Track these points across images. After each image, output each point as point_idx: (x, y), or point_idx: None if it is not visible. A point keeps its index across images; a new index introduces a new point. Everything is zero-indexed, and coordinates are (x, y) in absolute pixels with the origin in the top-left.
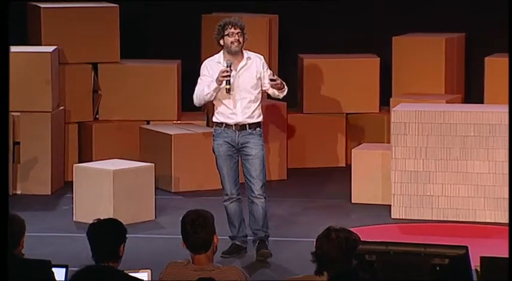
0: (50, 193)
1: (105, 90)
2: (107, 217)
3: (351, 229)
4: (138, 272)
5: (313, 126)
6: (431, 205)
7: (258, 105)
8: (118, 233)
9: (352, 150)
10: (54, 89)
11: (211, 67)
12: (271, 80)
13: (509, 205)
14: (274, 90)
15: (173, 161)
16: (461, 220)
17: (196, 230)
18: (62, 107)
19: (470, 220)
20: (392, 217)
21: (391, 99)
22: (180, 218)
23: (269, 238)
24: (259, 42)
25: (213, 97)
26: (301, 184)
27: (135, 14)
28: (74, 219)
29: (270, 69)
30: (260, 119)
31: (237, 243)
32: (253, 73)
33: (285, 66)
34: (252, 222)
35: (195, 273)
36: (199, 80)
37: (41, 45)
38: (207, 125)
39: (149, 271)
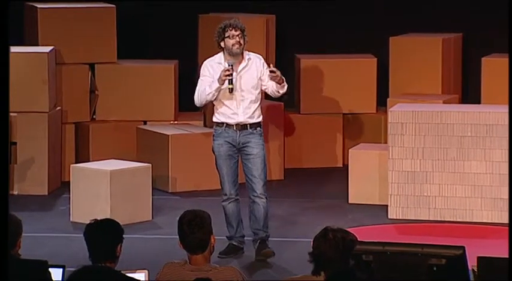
0: (46, 193)
1: (102, 91)
2: (103, 217)
3: (348, 229)
4: (135, 272)
5: (311, 126)
6: (428, 205)
7: (259, 105)
8: (115, 234)
9: (349, 150)
10: (51, 90)
11: (212, 67)
12: (270, 71)
13: (509, 205)
14: (273, 87)
15: (170, 162)
16: (458, 220)
17: (193, 231)
18: (58, 108)
19: (467, 220)
20: (389, 217)
21: (388, 99)
22: (177, 218)
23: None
24: (257, 42)
25: (214, 97)
26: (299, 184)
27: (132, 14)
28: (71, 219)
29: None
30: (260, 119)
31: (234, 243)
32: (254, 73)
33: (282, 67)
34: (253, 222)
35: (192, 273)
36: (199, 81)
37: (38, 45)
38: (204, 126)
39: (146, 271)
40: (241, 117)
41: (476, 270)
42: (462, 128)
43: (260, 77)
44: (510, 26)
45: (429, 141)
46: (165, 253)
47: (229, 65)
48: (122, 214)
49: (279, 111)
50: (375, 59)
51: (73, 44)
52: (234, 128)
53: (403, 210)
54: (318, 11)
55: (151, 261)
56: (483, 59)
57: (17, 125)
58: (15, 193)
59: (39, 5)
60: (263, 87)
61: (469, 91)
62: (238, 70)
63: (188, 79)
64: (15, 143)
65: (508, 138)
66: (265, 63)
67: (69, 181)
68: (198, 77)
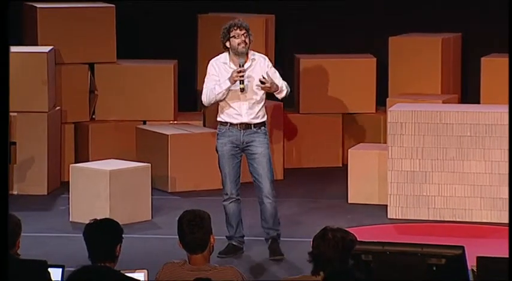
0: (46, 193)
1: (101, 91)
2: (103, 217)
3: (348, 229)
4: (134, 272)
5: (310, 126)
6: (427, 205)
7: (263, 105)
8: (114, 234)
9: (349, 150)
10: (51, 90)
11: (218, 67)
12: (260, 81)
13: (509, 205)
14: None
15: (170, 161)
16: (457, 220)
17: (193, 230)
18: (58, 108)
19: (467, 220)
20: (388, 217)
21: (387, 99)
22: (177, 218)
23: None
24: (256, 42)
25: (224, 96)
26: (298, 184)
27: (131, 14)
28: (70, 219)
29: (275, 67)
30: (265, 119)
31: (234, 243)
32: (258, 74)
33: (282, 67)
34: (262, 221)
35: (192, 273)
36: (206, 80)
37: (37, 45)
38: (204, 125)
39: (145, 271)
40: (245, 118)
41: (475, 270)
42: (461, 128)
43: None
44: (510, 26)
45: (428, 141)
46: (164, 252)
47: (240, 65)
48: (121, 213)
49: (279, 111)
50: (374, 59)
51: (72, 44)
52: (238, 128)
53: (403, 210)
54: (317, 11)
55: (150, 261)
56: (482, 59)
57: (17, 125)
58: (15, 192)
59: (38, 5)
60: None
61: (468, 91)
62: None
63: (187, 79)
64: (14, 143)
65: (508, 138)
66: (270, 64)
67: (68, 181)
68: (204, 76)
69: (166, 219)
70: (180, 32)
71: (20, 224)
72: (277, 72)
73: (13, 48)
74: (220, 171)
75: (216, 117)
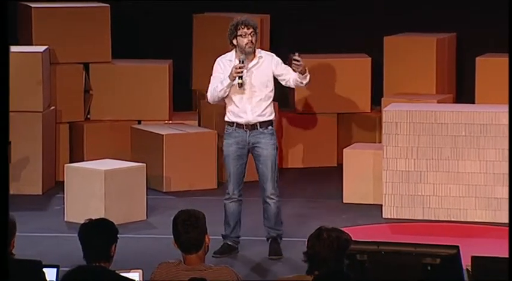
0: (41, 193)
1: (96, 90)
2: (98, 217)
3: (343, 229)
4: (129, 272)
5: (305, 126)
6: (422, 205)
7: (270, 103)
8: (109, 233)
9: (344, 150)
10: (45, 89)
11: (224, 65)
12: (294, 59)
13: (509, 205)
14: (296, 79)
15: (165, 161)
16: (452, 219)
17: (188, 230)
18: (53, 107)
19: (462, 220)
20: (383, 216)
21: (382, 99)
22: (172, 218)
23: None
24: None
25: (226, 93)
26: (293, 184)
27: (126, 13)
28: (65, 219)
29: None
30: (272, 117)
31: (229, 243)
32: (264, 71)
33: None
34: (265, 220)
35: (187, 273)
36: (211, 78)
37: (32, 45)
38: (199, 125)
39: (140, 271)
40: (250, 116)
41: (470, 269)
42: (456, 128)
43: (274, 74)
44: (510, 26)
45: (423, 140)
46: (159, 252)
47: (240, 61)
48: (116, 213)
49: (274, 110)
50: (369, 59)
51: (67, 44)
52: (244, 128)
53: (398, 209)
54: (312, 11)
55: (145, 261)
56: (477, 58)
57: (11, 125)
58: (10, 192)
59: (33, 5)
60: (283, 82)
61: (463, 91)
62: (249, 67)
63: (183, 79)
64: (9, 143)
65: (508, 138)
66: (278, 60)
67: (63, 181)
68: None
69: (161, 219)
70: (175, 31)
71: (15, 224)
72: (288, 68)
73: None
74: (225, 170)
75: (212, 117)
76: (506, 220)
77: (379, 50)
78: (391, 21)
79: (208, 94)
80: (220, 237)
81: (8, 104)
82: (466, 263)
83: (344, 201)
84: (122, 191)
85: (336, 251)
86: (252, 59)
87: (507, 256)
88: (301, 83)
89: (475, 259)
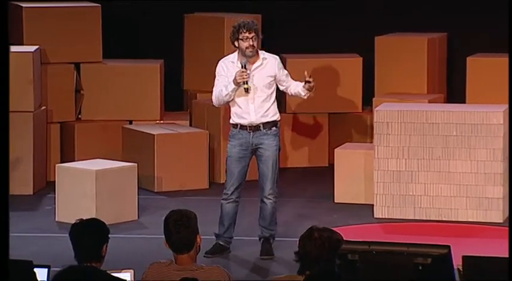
0: (32, 193)
1: (87, 90)
2: (89, 217)
3: (334, 229)
4: (120, 272)
5: (296, 126)
6: (413, 205)
7: (272, 103)
8: (101, 233)
9: (335, 150)
10: (36, 89)
11: (227, 66)
12: (307, 81)
13: (509, 205)
14: (299, 92)
15: (156, 161)
16: (443, 219)
17: (179, 230)
18: (44, 107)
19: (453, 220)
20: (375, 216)
21: (373, 99)
22: (163, 218)
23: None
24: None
25: (231, 97)
26: (284, 184)
27: (117, 13)
28: (56, 219)
29: (285, 69)
30: (276, 117)
31: (221, 243)
32: (267, 72)
33: None
34: (260, 219)
35: (178, 273)
36: (216, 81)
37: (22, 45)
38: (190, 125)
39: (132, 271)
40: (253, 117)
41: (461, 269)
42: (447, 128)
43: (276, 77)
44: (510, 26)
45: (414, 140)
46: (150, 252)
47: (243, 66)
48: (107, 213)
49: None
50: (361, 59)
51: (58, 44)
52: (248, 130)
53: (389, 209)
54: (303, 11)
55: (137, 261)
56: (468, 58)
57: None
58: None
59: (24, 5)
60: (282, 88)
61: (454, 91)
62: (252, 69)
63: (174, 79)
64: None
65: (508, 138)
66: (280, 64)
67: (54, 181)
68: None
69: (152, 219)
70: (167, 31)
71: None
72: (288, 74)
73: None
74: (226, 169)
75: (204, 117)
76: (497, 220)
77: (370, 50)
78: (383, 21)
79: (214, 98)
80: (213, 237)
81: (8, 104)
82: (457, 263)
83: (335, 201)
84: (113, 191)
85: (327, 251)
86: (255, 61)
87: (498, 255)
88: (302, 95)
89: (466, 259)
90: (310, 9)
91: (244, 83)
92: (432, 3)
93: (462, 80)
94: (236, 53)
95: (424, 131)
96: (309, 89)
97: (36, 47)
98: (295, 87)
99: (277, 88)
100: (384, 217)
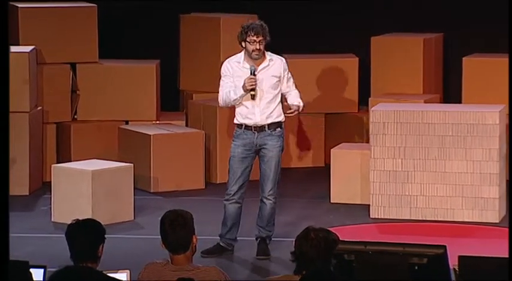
0: (28, 194)
1: (83, 91)
2: (85, 218)
3: (330, 229)
4: (116, 272)
5: (292, 126)
6: (409, 205)
7: (278, 104)
8: (97, 234)
9: (331, 150)
10: (32, 89)
11: (232, 67)
12: (287, 113)
13: (510, 204)
14: (290, 103)
15: (152, 161)
16: (439, 219)
17: (175, 230)
18: (39, 108)
19: (449, 220)
20: (371, 216)
21: (369, 99)
22: (159, 218)
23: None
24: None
25: (239, 102)
26: (280, 184)
27: (113, 13)
28: (52, 219)
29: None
30: (280, 118)
31: (221, 244)
32: (273, 73)
33: None
34: (258, 219)
35: (174, 273)
36: (221, 81)
37: (18, 45)
38: (186, 125)
39: (128, 271)
40: (258, 117)
41: (457, 269)
42: (443, 128)
43: (280, 80)
44: (510, 26)
45: (410, 140)
46: (146, 253)
47: (252, 72)
48: (103, 214)
49: None
50: (357, 59)
51: (54, 44)
52: (252, 130)
53: (385, 209)
54: (299, 11)
55: (133, 261)
56: (464, 58)
57: None
58: None
59: (20, 5)
60: (282, 92)
61: (450, 91)
62: (259, 70)
63: (170, 79)
64: None
65: (508, 138)
66: (286, 66)
67: (50, 181)
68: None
69: (148, 219)
70: (163, 32)
71: None
72: (291, 78)
73: None
74: (229, 170)
75: (200, 118)
76: (493, 220)
77: (366, 50)
78: (378, 21)
79: (220, 99)
80: (209, 237)
81: (8, 104)
82: (453, 263)
83: (331, 201)
84: (110, 192)
85: (323, 251)
86: (261, 62)
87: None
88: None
89: (462, 259)
90: (306, 9)
91: (252, 90)
92: (428, 3)
93: (458, 80)
94: (242, 54)
95: (420, 131)
96: (291, 115)
97: (32, 47)
98: (291, 100)
99: None
100: (380, 217)
